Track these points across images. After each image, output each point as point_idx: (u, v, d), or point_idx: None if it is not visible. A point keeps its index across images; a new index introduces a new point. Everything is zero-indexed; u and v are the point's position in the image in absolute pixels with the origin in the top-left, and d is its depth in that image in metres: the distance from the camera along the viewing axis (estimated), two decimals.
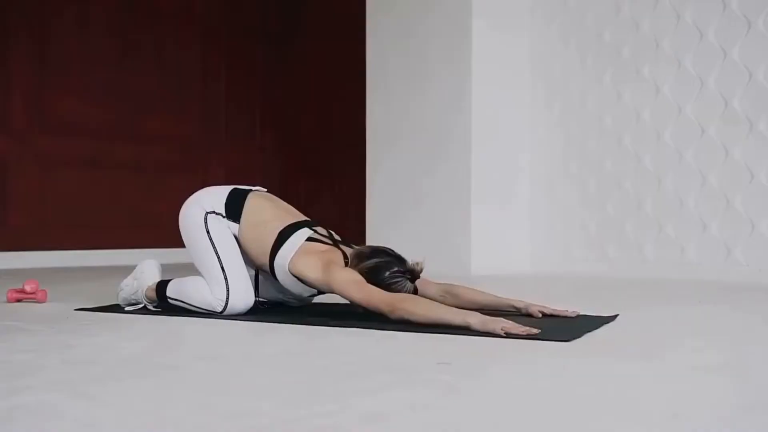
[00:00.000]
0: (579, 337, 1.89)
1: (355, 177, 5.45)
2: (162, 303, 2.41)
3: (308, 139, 6.55)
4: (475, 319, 1.92)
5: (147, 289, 2.44)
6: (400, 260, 2.23)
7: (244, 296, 2.28)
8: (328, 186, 6.35)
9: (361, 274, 2.16)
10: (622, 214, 4.32)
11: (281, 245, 2.26)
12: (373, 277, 2.15)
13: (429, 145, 4.61)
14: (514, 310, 2.31)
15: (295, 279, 2.25)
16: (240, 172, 6.49)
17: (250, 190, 2.43)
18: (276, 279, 2.31)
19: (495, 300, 2.34)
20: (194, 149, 6.23)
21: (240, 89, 6.50)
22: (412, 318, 2.00)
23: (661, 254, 4.15)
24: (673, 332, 2.10)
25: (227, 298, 2.26)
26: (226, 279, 2.27)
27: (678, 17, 4.10)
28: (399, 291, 2.16)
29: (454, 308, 2.01)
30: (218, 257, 2.29)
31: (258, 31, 6.63)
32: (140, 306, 2.46)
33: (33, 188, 5.38)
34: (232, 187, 2.43)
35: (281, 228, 2.30)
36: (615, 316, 2.28)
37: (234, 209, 2.35)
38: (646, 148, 4.22)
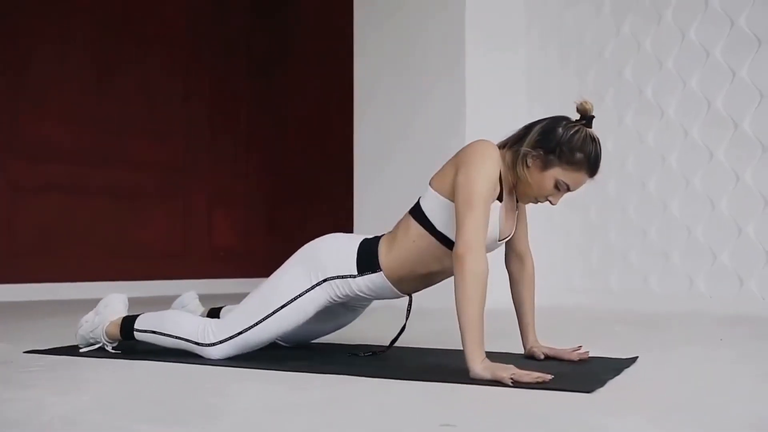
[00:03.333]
0: (601, 386, 1.63)
1: (342, 201, 5.21)
2: (126, 340, 2.13)
3: (294, 163, 6.31)
4: (481, 367, 1.66)
5: (109, 325, 2.16)
6: (562, 117, 1.90)
7: (230, 353, 1.99)
8: (316, 211, 6.10)
9: (531, 149, 1.81)
10: (625, 241, 4.09)
11: (417, 215, 1.92)
12: (546, 141, 1.80)
13: (420, 168, 4.35)
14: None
15: (443, 201, 1.86)
16: (223, 199, 6.23)
17: (380, 237, 2.04)
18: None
19: (526, 323, 2.11)
20: (175, 175, 5.96)
21: (223, 112, 6.26)
22: (457, 290, 1.69)
23: (667, 285, 3.90)
24: (709, 379, 1.84)
25: (226, 340, 1.97)
26: (246, 330, 1.96)
27: (682, 35, 3.90)
28: (581, 144, 1.79)
29: (481, 338, 1.69)
30: (272, 312, 1.95)
31: (243, 53, 6.41)
32: (97, 346, 2.18)
33: (2, 216, 5.08)
34: (361, 238, 2.03)
35: (406, 215, 1.97)
36: (634, 359, 2.02)
37: (368, 260, 1.96)
38: (651, 173, 4.00)
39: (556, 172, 1.84)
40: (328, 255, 1.97)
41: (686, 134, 3.87)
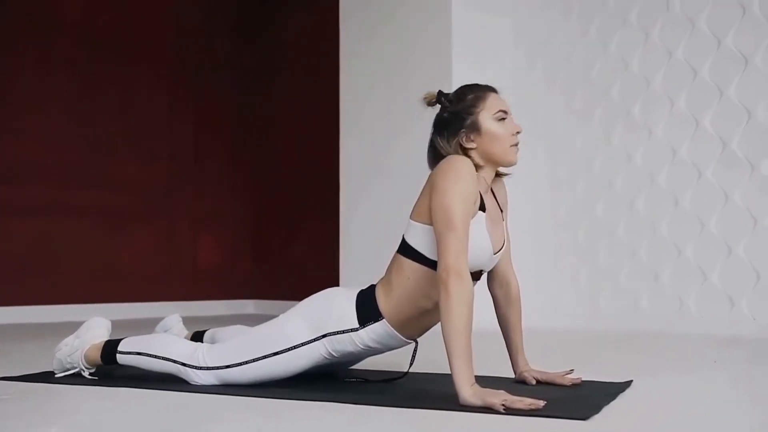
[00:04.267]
0: (596, 412, 1.57)
1: (330, 221, 5.15)
2: (107, 365, 2.05)
3: (280, 183, 6.24)
4: (471, 392, 1.59)
5: (89, 348, 2.08)
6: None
7: (213, 382, 1.92)
8: (303, 231, 6.02)
9: (454, 136, 1.84)
10: (614, 262, 4.04)
11: (405, 252, 1.85)
12: (451, 123, 1.85)
13: (408, 186, 4.29)
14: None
15: (425, 227, 1.80)
16: (208, 219, 6.15)
17: (374, 286, 1.94)
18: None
19: (515, 347, 2.04)
20: (159, 195, 5.88)
21: (209, 131, 6.19)
22: (442, 314, 1.63)
23: (657, 306, 3.86)
24: (706, 404, 1.79)
25: (213, 369, 1.90)
26: (234, 366, 1.88)
27: (669, 55, 3.89)
28: (460, 94, 1.86)
29: (470, 362, 1.63)
30: (265, 356, 1.87)
31: (229, 72, 6.36)
32: (73, 371, 2.10)
33: None
34: (357, 291, 1.91)
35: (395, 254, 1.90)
36: (629, 383, 1.97)
37: (368, 310, 1.86)
38: (639, 192, 3.96)
39: (484, 119, 1.84)
40: (328, 309, 1.88)
41: (674, 153, 3.84)
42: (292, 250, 6.09)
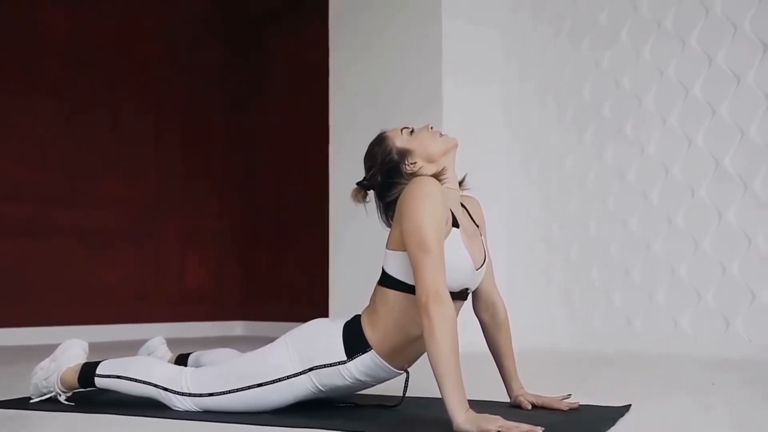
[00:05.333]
0: None
1: (319, 241, 5.08)
2: (84, 388, 1.97)
3: (269, 203, 6.18)
4: (464, 418, 1.52)
5: (65, 371, 2.00)
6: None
7: (194, 409, 1.85)
8: (292, 251, 5.95)
9: (398, 166, 1.84)
10: (608, 281, 3.99)
11: (387, 282, 1.80)
12: (375, 163, 1.87)
13: None
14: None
15: (402, 254, 1.74)
16: (195, 239, 6.07)
17: (358, 316, 1.87)
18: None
19: (508, 371, 1.98)
20: (146, 215, 5.80)
21: (197, 150, 6.13)
22: (427, 341, 1.56)
23: (652, 326, 3.80)
24: (708, 430, 1.72)
25: (195, 396, 1.83)
26: (218, 395, 1.81)
27: (661, 72, 3.86)
28: (372, 148, 1.88)
29: (462, 386, 1.56)
30: (249, 387, 1.80)
31: (217, 91, 6.31)
32: (48, 396, 2.02)
33: None
34: (342, 322, 1.84)
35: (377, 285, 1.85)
36: (628, 407, 1.90)
37: (355, 341, 1.79)
38: (632, 211, 3.92)
39: (401, 144, 1.86)
40: (314, 341, 1.80)
41: (667, 171, 3.80)
42: (281, 271, 6.01)
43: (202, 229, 6.11)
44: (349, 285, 4.44)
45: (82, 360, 2.05)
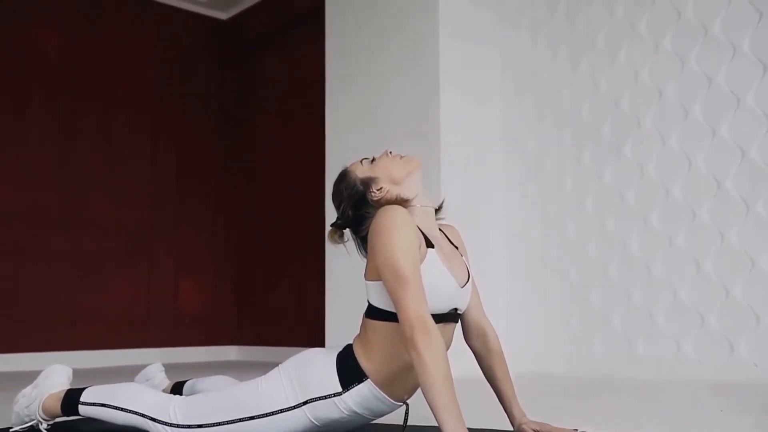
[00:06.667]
0: None
1: (314, 265, 5.01)
2: (67, 416, 1.89)
3: (264, 224, 6.11)
4: None
5: (47, 398, 1.93)
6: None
7: None
8: (286, 272, 5.87)
9: (366, 196, 1.79)
10: (608, 304, 3.92)
11: (373, 314, 1.74)
12: (342, 198, 1.82)
13: None
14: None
15: (379, 283, 1.69)
16: (190, 262, 5.99)
17: (350, 345, 1.80)
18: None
19: (506, 397, 1.89)
20: (139, 237, 5.72)
21: (191, 172, 6.07)
22: (420, 375, 1.50)
23: (654, 350, 3.72)
24: None
25: (185, 427, 1.74)
26: (208, 426, 1.73)
27: (660, 93, 3.83)
28: (338, 183, 1.83)
29: (461, 416, 1.48)
30: (241, 419, 1.72)
31: (211, 112, 6.27)
32: (30, 423, 1.94)
33: None
34: (335, 352, 1.77)
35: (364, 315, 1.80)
36: None
37: (350, 371, 1.72)
38: (632, 232, 3.86)
39: (362, 174, 1.83)
40: (308, 373, 1.72)
41: (668, 193, 3.75)
42: (276, 295, 5.93)
43: (196, 253, 6.04)
44: (345, 309, 4.36)
45: (66, 387, 1.97)
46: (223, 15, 6.36)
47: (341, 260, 4.43)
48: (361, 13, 4.62)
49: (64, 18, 5.46)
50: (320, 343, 4.59)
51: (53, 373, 2.00)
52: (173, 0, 6.05)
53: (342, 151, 4.50)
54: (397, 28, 4.38)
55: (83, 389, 1.91)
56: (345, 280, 4.43)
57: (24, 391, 2.00)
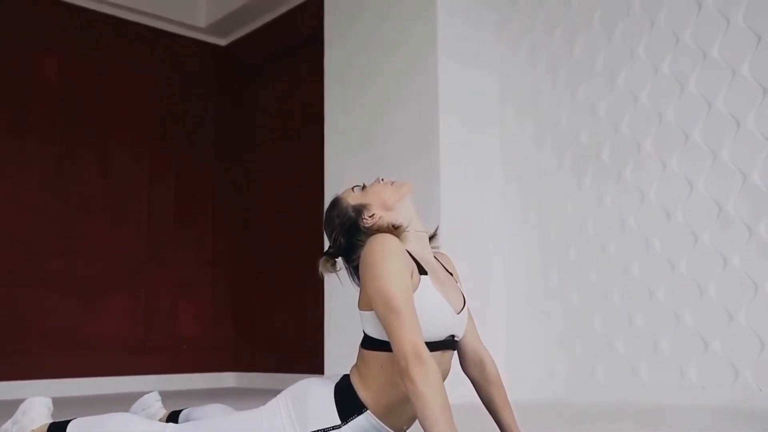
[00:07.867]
0: None
1: (314, 289, 4.97)
2: None
3: (263, 250, 6.07)
4: None
5: None
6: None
7: None
8: (286, 298, 5.82)
9: (357, 222, 1.77)
10: (610, 329, 3.88)
11: (369, 344, 1.71)
12: (346, 221, 1.79)
13: None
14: None
15: (373, 313, 1.66)
16: (188, 287, 5.95)
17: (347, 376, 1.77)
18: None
19: (507, 424, 1.85)
20: (137, 261, 5.69)
21: (189, 196, 6.05)
22: (417, 408, 1.46)
23: (657, 375, 3.67)
24: None
25: None
26: None
27: (660, 117, 3.81)
28: (329, 211, 1.81)
29: None
30: None
31: (210, 136, 6.26)
32: None
33: None
34: (332, 383, 1.74)
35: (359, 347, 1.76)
36: None
37: (349, 403, 1.69)
38: (634, 257, 3.83)
39: (353, 201, 1.81)
40: (307, 406, 1.68)
41: (669, 216, 3.73)
42: (275, 320, 5.88)
43: (194, 278, 6.00)
44: (345, 335, 4.31)
45: (47, 420, 1.89)
46: (222, 41, 6.38)
47: (340, 286, 4.38)
48: (360, 37, 4.63)
49: (63, 42, 5.47)
50: (319, 369, 4.53)
51: (32, 406, 1.91)
52: (173, 26, 6.07)
53: (341, 175, 4.49)
54: (396, 51, 4.38)
55: (68, 422, 1.83)
56: (344, 306, 4.38)
57: (3, 426, 1.91)
